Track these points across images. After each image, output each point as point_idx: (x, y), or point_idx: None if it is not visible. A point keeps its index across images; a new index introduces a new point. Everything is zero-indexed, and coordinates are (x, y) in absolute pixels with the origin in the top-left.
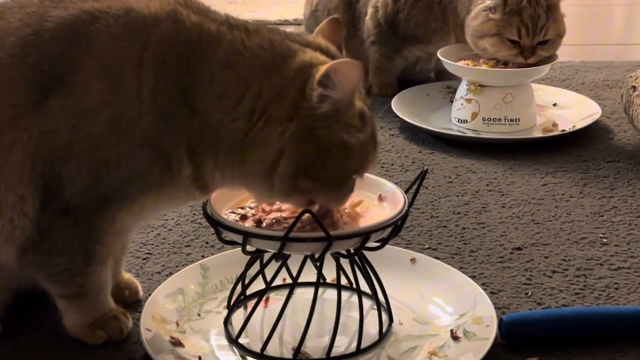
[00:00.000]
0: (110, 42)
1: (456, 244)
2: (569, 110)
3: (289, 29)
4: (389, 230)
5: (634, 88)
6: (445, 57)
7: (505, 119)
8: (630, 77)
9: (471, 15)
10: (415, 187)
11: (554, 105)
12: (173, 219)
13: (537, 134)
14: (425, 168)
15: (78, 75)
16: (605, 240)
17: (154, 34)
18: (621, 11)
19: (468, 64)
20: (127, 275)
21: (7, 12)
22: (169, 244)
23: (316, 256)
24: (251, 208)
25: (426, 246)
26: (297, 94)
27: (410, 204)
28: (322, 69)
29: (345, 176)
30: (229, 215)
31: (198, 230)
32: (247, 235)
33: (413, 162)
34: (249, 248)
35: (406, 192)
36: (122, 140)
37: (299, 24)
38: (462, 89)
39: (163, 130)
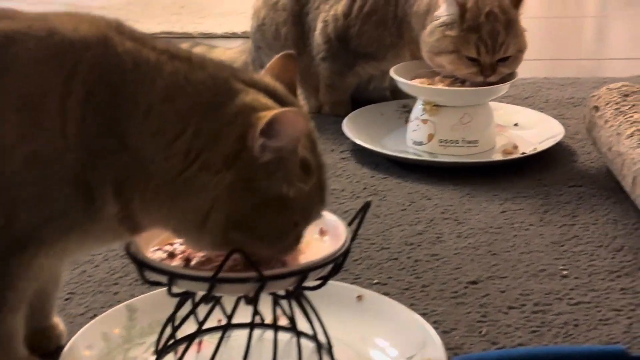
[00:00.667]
0: (30, 68)
1: (407, 277)
2: (530, 130)
3: (237, 42)
4: (329, 267)
5: (596, 108)
6: (399, 75)
7: (462, 140)
8: (592, 96)
9: (427, 31)
10: (358, 220)
11: (515, 125)
12: (101, 254)
13: (497, 156)
14: (369, 201)
15: None
16: (565, 272)
17: (83, 60)
18: (590, 23)
19: (423, 83)
20: (56, 319)
21: None
22: (95, 282)
23: (250, 297)
24: (181, 244)
25: (375, 281)
26: (235, 141)
27: (352, 239)
28: (265, 118)
29: (284, 229)
30: (155, 253)
31: (128, 267)
32: (172, 276)
33: (365, 188)
34: (176, 289)
35: (349, 224)
36: (41, 178)
37: (247, 37)
38: (417, 109)
39: (88, 166)
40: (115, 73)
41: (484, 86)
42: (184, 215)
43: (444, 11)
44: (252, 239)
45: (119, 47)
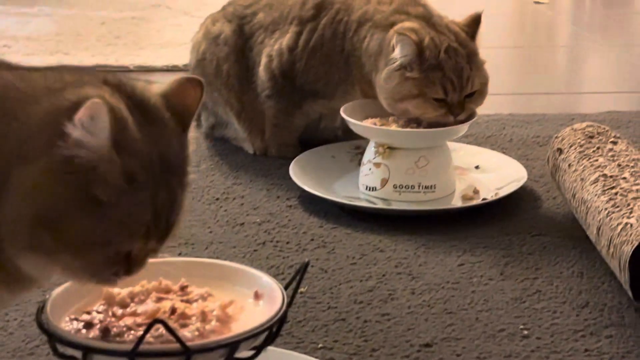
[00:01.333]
0: None
1: (356, 341)
2: (492, 173)
3: (178, 75)
4: (264, 335)
5: (560, 151)
6: (349, 114)
7: (419, 185)
8: (556, 137)
9: (383, 76)
10: (296, 282)
11: (476, 168)
12: (16, 319)
13: (456, 202)
14: (306, 261)
15: None
16: (526, 332)
17: None
18: (560, 54)
19: (376, 123)
20: None
21: None
22: (8, 352)
23: None
24: (99, 312)
25: (320, 345)
26: (48, 133)
27: (290, 304)
28: (79, 107)
29: (93, 240)
30: (71, 323)
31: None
32: (87, 350)
33: (312, 240)
34: None
35: (286, 288)
36: None
37: (182, 70)
38: (369, 152)
39: None
40: None
41: (452, 125)
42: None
43: (399, 53)
44: (59, 243)
45: None
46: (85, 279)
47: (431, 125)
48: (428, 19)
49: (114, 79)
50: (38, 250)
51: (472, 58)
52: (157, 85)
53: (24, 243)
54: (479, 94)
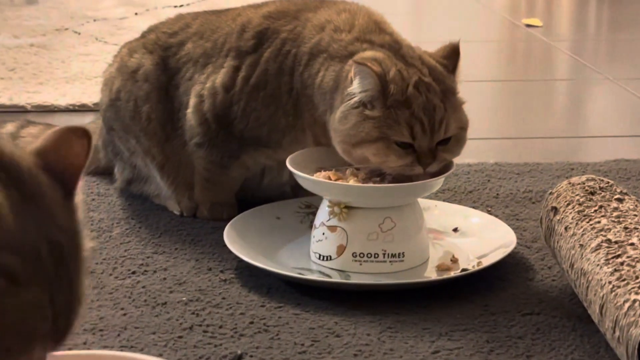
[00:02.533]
0: None
1: None
2: (474, 238)
3: (87, 117)
4: None
5: (555, 210)
6: (297, 167)
7: (384, 254)
8: (551, 193)
9: (337, 116)
10: None
11: (454, 230)
12: None
13: (430, 274)
14: (240, 352)
15: None
16: None
17: None
18: (558, 89)
19: (330, 177)
20: None
21: None
22: None
23: None
24: None
25: None
26: None
27: None
28: None
29: None
30: None
31: None
32: None
33: (251, 322)
34: None
35: None
36: None
37: (93, 110)
38: (323, 212)
39: None
40: None
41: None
42: None
43: (358, 87)
44: None
45: None
46: None
47: (397, 179)
48: (396, 49)
49: None
50: None
51: (448, 96)
52: (28, 141)
53: None
54: (456, 140)
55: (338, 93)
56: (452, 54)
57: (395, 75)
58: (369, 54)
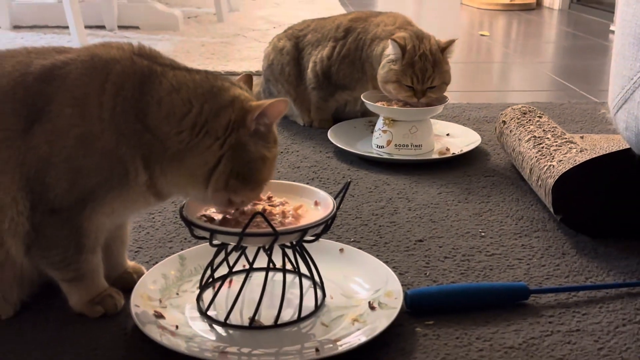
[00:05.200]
0: (77, 79)
1: (374, 237)
2: (457, 138)
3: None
4: (322, 227)
5: (504, 122)
6: (367, 99)
7: (411, 145)
8: (501, 114)
9: (381, 65)
10: (342, 195)
11: (447, 135)
12: (159, 220)
13: (435, 156)
14: (349, 180)
15: (54, 105)
16: (483, 234)
17: (114, 70)
18: (497, 66)
19: (384, 105)
20: (132, 263)
21: (3, 60)
22: (156, 240)
23: (266, 247)
24: (213, 211)
25: (352, 239)
26: (233, 118)
27: (338, 207)
28: (263, 106)
29: (262, 181)
30: (201, 218)
31: (178, 229)
32: (213, 232)
33: (343, 177)
34: (215, 242)
35: (335, 198)
36: (89, 152)
37: (259, 75)
38: (379, 123)
39: (122, 143)
40: (136, 77)
41: (419, 107)
42: (192, 172)
43: (391, 51)
44: (243, 184)
45: (137, 62)
46: (250, 198)
47: (415, 106)
48: (418, 34)
49: (227, 79)
50: (227, 191)
51: (436, 63)
52: (235, 79)
53: (218, 189)
54: (438, 88)
55: (382, 57)
56: (448, 43)
57: (410, 48)
58: (400, 34)
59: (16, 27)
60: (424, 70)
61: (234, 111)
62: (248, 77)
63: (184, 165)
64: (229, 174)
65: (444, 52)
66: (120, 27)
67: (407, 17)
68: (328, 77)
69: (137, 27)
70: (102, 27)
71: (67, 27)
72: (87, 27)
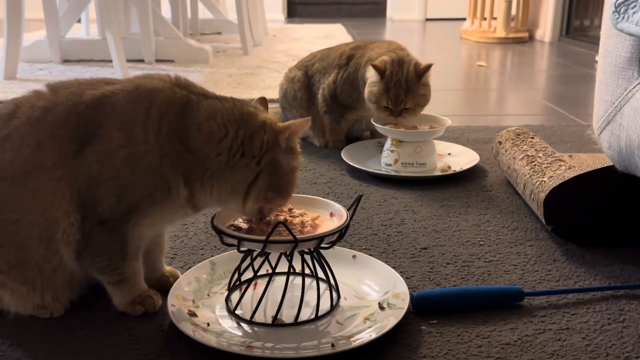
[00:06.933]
0: (124, 106)
1: (383, 245)
2: (458, 157)
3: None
4: (337, 235)
5: (500, 143)
6: (376, 122)
7: (416, 163)
8: (497, 135)
9: (367, 85)
10: (354, 207)
11: (449, 154)
12: (192, 230)
13: (437, 173)
14: (361, 194)
15: (104, 129)
16: (481, 242)
17: (157, 98)
18: (494, 93)
19: (391, 127)
20: (169, 268)
21: (58, 91)
22: (189, 247)
23: (287, 253)
24: (242, 221)
25: (363, 247)
26: (266, 139)
27: (351, 218)
28: (291, 127)
29: (292, 189)
30: (229, 228)
31: (209, 238)
32: (240, 240)
33: (355, 192)
34: (242, 248)
35: (349, 210)
36: (135, 170)
37: (275, 102)
38: (387, 144)
39: (165, 163)
40: (176, 105)
41: (396, 124)
42: (233, 187)
43: (373, 75)
44: (278, 196)
45: (177, 92)
46: (279, 207)
47: (405, 127)
48: (400, 59)
49: (251, 104)
50: (265, 202)
51: (410, 90)
52: (253, 102)
53: (257, 201)
54: (412, 110)
55: (367, 78)
56: (425, 68)
57: (388, 74)
58: (383, 58)
59: (65, 61)
60: (397, 96)
61: (266, 133)
62: (263, 100)
63: (224, 181)
64: (268, 187)
65: (421, 78)
66: (158, 61)
67: (401, 44)
68: (335, 100)
69: (172, 61)
70: (141, 61)
71: (110, 61)
72: (128, 60)
